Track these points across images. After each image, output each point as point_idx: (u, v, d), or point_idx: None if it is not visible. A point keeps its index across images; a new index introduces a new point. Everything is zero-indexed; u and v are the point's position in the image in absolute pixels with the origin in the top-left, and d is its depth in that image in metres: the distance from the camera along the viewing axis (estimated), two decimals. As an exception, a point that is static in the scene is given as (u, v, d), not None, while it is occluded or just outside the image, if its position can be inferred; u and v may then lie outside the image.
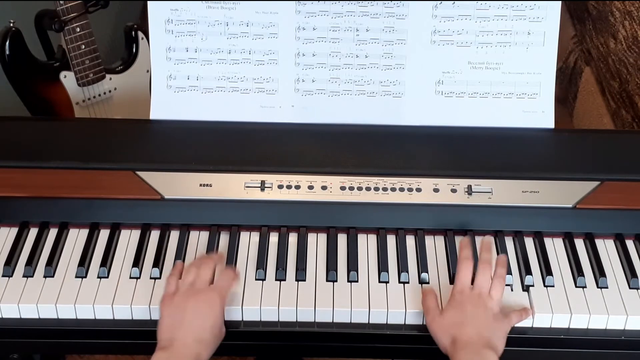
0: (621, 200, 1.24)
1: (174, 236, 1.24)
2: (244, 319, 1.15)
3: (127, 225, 1.25)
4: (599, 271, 1.19)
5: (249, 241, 1.23)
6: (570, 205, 1.24)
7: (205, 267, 1.14)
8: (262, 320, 1.15)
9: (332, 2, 1.32)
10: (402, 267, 1.19)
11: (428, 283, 1.17)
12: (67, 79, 1.79)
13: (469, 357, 1.04)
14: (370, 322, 1.14)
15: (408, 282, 1.18)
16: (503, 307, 1.12)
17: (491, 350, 1.05)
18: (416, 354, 1.19)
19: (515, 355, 1.17)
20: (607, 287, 1.18)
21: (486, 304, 1.10)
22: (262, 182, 1.24)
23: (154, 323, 1.14)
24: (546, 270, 1.19)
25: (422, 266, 1.19)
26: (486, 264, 1.14)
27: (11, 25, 1.70)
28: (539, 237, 1.24)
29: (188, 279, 1.12)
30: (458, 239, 1.23)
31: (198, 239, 1.24)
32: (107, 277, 1.18)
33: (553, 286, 1.18)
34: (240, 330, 1.15)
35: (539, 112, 1.35)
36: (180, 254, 1.20)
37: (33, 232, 1.24)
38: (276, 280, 1.18)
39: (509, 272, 1.18)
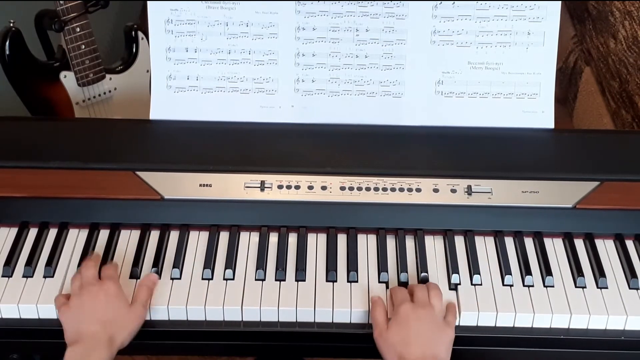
0: (621, 200, 1.24)
1: (174, 236, 1.24)
2: (244, 319, 1.15)
3: (127, 225, 1.25)
4: (599, 271, 1.19)
5: (248, 241, 1.23)
6: (570, 205, 1.23)
7: (86, 268, 1.15)
8: (262, 320, 1.15)
9: (332, 2, 1.32)
10: (402, 267, 1.19)
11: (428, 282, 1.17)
12: (67, 79, 1.79)
13: None
14: (370, 322, 1.14)
15: (408, 282, 1.18)
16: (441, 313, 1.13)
17: None
18: (416, 354, 1.19)
19: (516, 355, 1.17)
20: (607, 287, 1.17)
21: (430, 315, 1.10)
22: (262, 182, 1.24)
23: (154, 323, 1.14)
24: (546, 270, 1.19)
25: (422, 266, 1.19)
26: (419, 285, 1.16)
27: (11, 25, 1.70)
28: (538, 237, 1.24)
29: (75, 284, 1.13)
30: (458, 239, 1.23)
31: (198, 239, 1.23)
32: (107, 277, 1.18)
33: (553, 286, 1.18)
34: (240, 330, 1.15)
35: (538, 112, 1.35)
36: (180, 254, 1.20)
37: (33, 232, 1.24)
38: (276, 280, 1.18)
39: (509, 272, 1.18)
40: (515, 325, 1.14)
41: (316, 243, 1.23)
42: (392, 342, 1.08)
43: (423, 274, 1.18)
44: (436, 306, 1.11)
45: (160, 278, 1.18)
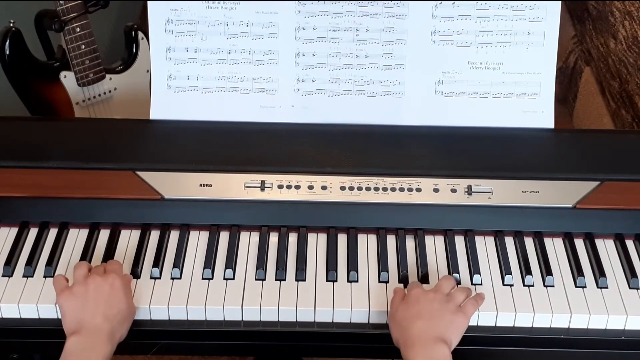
0: (621, 200, 1.24)
1: (174, 236, 1.24)
2: (244, 319, 1.15)
3: (127, 225, 1.25)
4: (599, 271, 1.19)
5: (249, 241, 1.23)
6: (570, 205, 1.24)
7: (94, 265, 1.16)
8: (262, 320, 1.15)
9: (332, 2, 1.32)
10: (402, 267, 1.19)
11: (428, 283, 1.17)
12: (67, 79, 1.79)
13: (418, 353, 1.02)
14: (370, 322, 1.14)
15: (408, 282, 1.18)
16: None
17: (442, 343, 1.03)
18: (416, 354, 1.19)
19: (516, 355, 1.17)
20: (607, 287, 1.18)
21: (441, 298, 1.09)
22: (262, 182, 1.24)
23: (155, 323, 1.14)
24: (546, 270, 1.19)
25: (422, 266, 1.19)
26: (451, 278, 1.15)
27: (11, 25, 1.70)
28: (539, 237, 1.24)
29: (80, 272, 1.13)
30: (458, 239, 1.23)
31: (198, 239, 1.23)
32: (107, 277, 1.18)
33: (553, 286, 1.18)
34: (240, 330, 1.15)
35: (539, 112, 1.35)
36: (180, 253, 1.20)
37: (33, 232, 1.24)
38: (276, 280, 1.18)
39: (509, 272, 1.18)
40: (516, 325, 1.14)
41: (316, 243, 1.23)
42: (399, 319, 1.08)
43: (423, 274, 1.18)
44: (457, 297, 1.11)
45: (160, 278, 1.18)
